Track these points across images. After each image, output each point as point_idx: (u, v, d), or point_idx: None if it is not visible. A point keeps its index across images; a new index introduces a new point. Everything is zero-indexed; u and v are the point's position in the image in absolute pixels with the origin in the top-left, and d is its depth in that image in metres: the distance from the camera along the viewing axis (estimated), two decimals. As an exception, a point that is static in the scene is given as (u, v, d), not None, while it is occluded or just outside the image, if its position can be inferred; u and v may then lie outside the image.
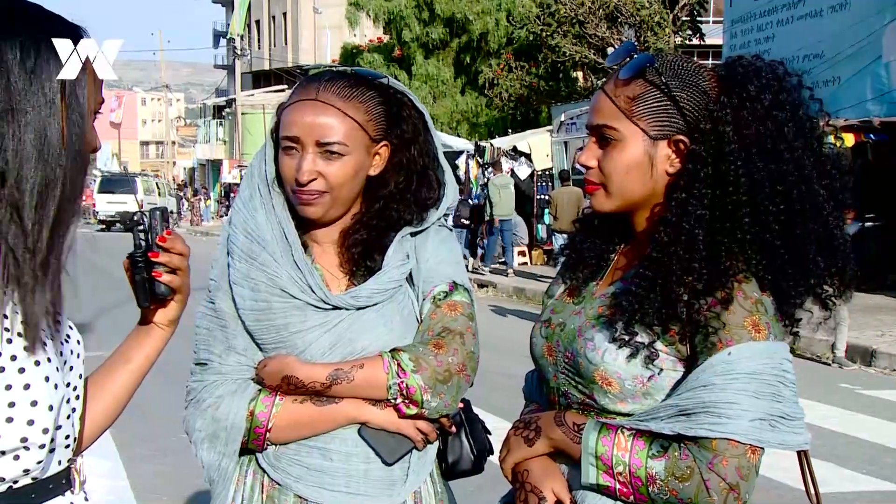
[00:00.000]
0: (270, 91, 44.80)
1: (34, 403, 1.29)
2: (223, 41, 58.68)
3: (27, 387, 1.29)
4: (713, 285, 1.63)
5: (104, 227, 35.15)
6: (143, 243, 1.52)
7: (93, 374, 1.59)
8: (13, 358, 1.28)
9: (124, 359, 1.60)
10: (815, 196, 1.66)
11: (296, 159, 1.87)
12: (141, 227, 1.52)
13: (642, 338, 1.67)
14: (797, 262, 1.67)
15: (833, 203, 1.68)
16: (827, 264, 1.69)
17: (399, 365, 1.82)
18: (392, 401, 1.84)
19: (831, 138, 1.76)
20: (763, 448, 1.60)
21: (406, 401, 1.83)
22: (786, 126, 1.65)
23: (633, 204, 1.77)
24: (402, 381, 1.82)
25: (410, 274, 1.96)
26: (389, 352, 1.85)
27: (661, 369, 1.67)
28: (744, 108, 1.66)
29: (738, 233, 1.65)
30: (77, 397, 1.43)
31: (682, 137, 1.71)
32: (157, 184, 39.75)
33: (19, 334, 1.30)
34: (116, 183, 36.76)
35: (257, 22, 55.45)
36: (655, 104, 1.71)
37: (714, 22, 27.77)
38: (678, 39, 22.63)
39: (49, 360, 1.33)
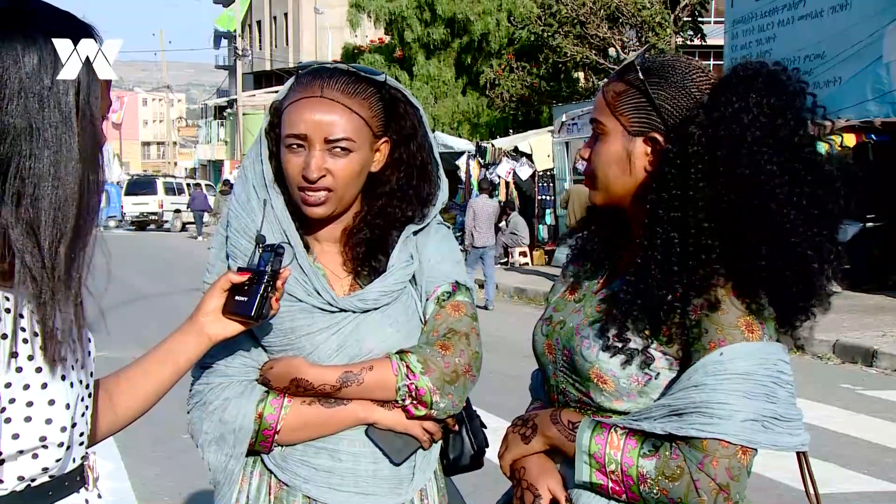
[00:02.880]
0: (272, 91, 44.80)
1: (52, 402, 1.30)
2: (224, 42, 58.71)
3: (44, 386, 1.30)
4: (691, 290, 1.62)
5: (137, 227, 37.17)
6: (274, 268, 1.70)
7: (133, 364, 1.64)
8: (30, 357, 1.29)
9: (173, 358, 1.66)
10: (774, 203, 1.58)
11: (302, 157, 1.86)
12: (281, 252, 1.72)
13: (636, 343, 1.67)
14: (748, 269, 1.61)
15: (817, 211, 1.61)
16: (777, 274, 1.60)
17: (408, 367, 1.83)
18: (400, 402, 1.85)
19: (824, 146, 1.71)
20: (755, 449, 1.60)
21: (415, 402, 1.84)
22: (748, 130, 1.59)
23: (617, 198, 1.78)
24: (411, 383, 1.83)
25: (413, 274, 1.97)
26: (397, 353, 1.86)
27: (658, 373, 1.67)
28: (716, 110, 1.63)
29: (704, 237, 1.62)
30: (89, 395, 1.44)
31: (657, 135, 1.71)
32: (186, 185, 40.53)
33: (35, 334, 1.30)
34: (140, 185, 39.36)
35: (258, 22, 55.47)
36: (635, 101, 1.72)
37: (715, 22, 27.78)
38: (679, 40, 22.63)
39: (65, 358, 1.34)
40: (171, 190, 38.67)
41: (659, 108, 1.70)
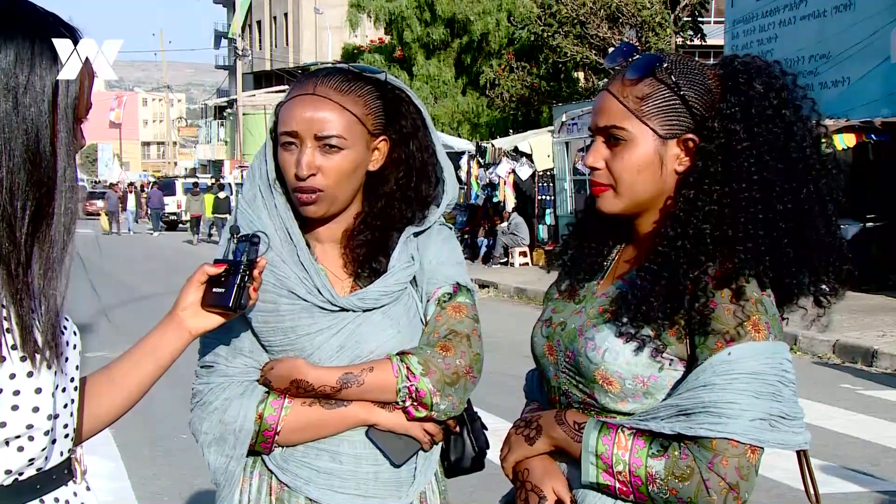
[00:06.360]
0: (271, 91, 44.82)
1: (38, 391, 1.31)
2: (224, 42, 58.73)
3: (30, 374, 1.30)
4: (720, 281, 1.64)
5: (167, 228, 38.26)
6: (250, 258, 1.70)
7: (116, 361, 1.64)
8: (13, 347, 1.29)
9: (153, 354, 1.65)
10: (821, 193, 1.68)
11: (295, 154, 1.87)
12: (256, 241, 1.72)
13: (647, 331, 1.67)
14: (800, 258, 1.67)
15: (833, 202, 1.70)
16: (826, 261, 1.70)
17: (408, 368, 1.83)
18: (401, 404, 1.84)
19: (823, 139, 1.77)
20: (763, 448, 1.60)
21: (415, 404, 1.84)
22: (795, 125, 1.67)
23: (641, 204, 1.76)
24: (411, 385, 1.82)
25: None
26: (397, 355, 1.86)
27: (663, 360, 1.67)
28: (751, 105, 1.67)
29: (744, 228, 1.65)
30: (75, 388, 1.44)
31: (691, 136, 1.71)
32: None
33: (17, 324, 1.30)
34: (164, 187, 40.66)
35: (258, 22, 55.48)
36: (664, 103, 1.71)
37: (715, 22, 27.79)
38: (679, 40, 22.64)
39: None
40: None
41: (692, 108, 1.70)
